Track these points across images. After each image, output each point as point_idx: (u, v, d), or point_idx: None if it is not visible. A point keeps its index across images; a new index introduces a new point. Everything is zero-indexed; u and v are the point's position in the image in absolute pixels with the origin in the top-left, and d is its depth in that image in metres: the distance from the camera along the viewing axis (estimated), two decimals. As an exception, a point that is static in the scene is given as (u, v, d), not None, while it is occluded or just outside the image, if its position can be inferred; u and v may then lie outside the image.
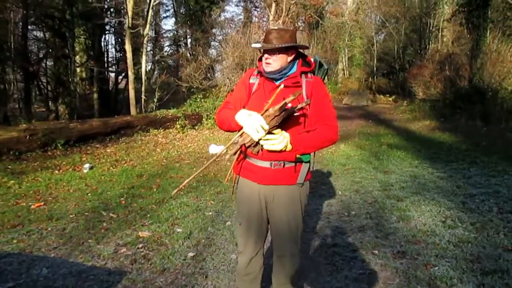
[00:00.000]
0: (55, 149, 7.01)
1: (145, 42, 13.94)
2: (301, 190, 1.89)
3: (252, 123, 1.64)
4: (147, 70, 16.47)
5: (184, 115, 10.24)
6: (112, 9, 16.84)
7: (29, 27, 13.70)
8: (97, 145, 7.80)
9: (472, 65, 11.49)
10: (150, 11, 13.80)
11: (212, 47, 21.75)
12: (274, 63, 1.80)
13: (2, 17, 11.95)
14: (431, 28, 18.29)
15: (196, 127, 10.11)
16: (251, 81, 1.92)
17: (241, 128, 1.71)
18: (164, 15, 24.21)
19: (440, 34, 17.18)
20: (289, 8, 16.72)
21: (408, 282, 2.53)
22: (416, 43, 19.93)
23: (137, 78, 13.78)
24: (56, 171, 5.72)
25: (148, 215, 3.84)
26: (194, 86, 12.69)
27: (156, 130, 9.42)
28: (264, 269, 2.03)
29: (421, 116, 12.07)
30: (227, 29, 20.11)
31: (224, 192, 4.62)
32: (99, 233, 3.38)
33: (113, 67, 18.98)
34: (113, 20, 16.78)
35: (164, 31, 23.72)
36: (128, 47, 12.65)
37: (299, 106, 1.73)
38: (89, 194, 4.62)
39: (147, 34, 14.28)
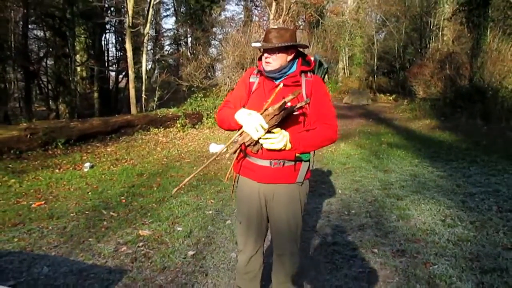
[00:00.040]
0: (55, 148, 7.03)
1: (145, 41, 13.95)
2: (300, 188, 1.89)
3: (252, 122, 1.64)
4: (148, 69, 16.49)
5: (185, 114, 10.26)
6: (112, 8, 16.85)
7: (29, 26, 13.73)
8: (98, 144, 7.81)
9: (472, 64, 11.48)
10: (151, 10, 13.80)
11: (213, 46, 21.78)
12: (273, 62, 1.80)
13: (3, 16, 11.94)
14: (431, 27, 18.26)
15: (197, 126, 10.13)
16: (251, 80, 1.92)
17: (241, 127, 1.71)
18: (165, 14, 24.24)
19: (440, 33, 17.16)
20: (290, 7, 16.72)
21: (407, 280, 2.54)
22: (416, 42, 19.90)
23: (138, 77, 13.79)
24: (57, 170, 5.73)
25: (149, 214, 3.85)
26: (195, 85, 12.71)
27: (156, 129, 9.43)
28: (264, 268, 2.04)
29: (421, 115, 12.06)
30: (227, 28, 20.12)
31: (224, 191, 4.63)
32: (100, 232, 3.39)
33: (114, 66, 18.99)
34: (114, 19, 16.80)
35: (164, 30, 23.76)
36: (128, 46, 12.66)
37: (299, 105, 1.73)
38: (89, 193, 4.64)
39: (148, 33, 14.29)
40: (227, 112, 1.83)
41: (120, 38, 18.69)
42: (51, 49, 14.90)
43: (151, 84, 16.23)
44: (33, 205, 4.12)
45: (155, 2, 14.26)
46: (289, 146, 1.70)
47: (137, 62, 13.84)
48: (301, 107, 1.76)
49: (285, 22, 15.67)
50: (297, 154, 1.79)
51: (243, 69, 11.81)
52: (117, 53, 19.99)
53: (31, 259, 2.84)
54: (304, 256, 2.86)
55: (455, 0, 15.42)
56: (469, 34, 12.76)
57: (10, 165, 5.81)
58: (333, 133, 1.82)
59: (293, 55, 1.84)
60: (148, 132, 9.20)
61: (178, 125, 9.74)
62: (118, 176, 5.47)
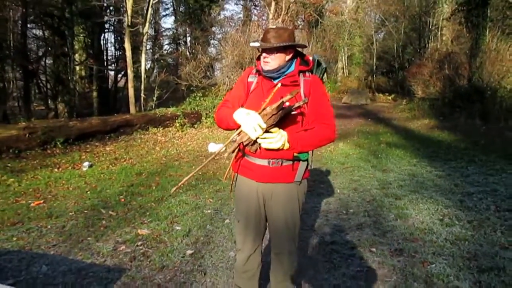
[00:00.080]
0: (54, 147, 7.02)
1: (144, 40, 13.92)
2: (299, 188, 1.90)
3: (250, 122, 1.65)
4: (147, 68, 16.46)
5: (184, 113, 10.26)
6: (111, 8, 16.81)
7: (28, 25, 13.69)
8: (97, 144, 7.80)
9: (471, 64, 11.50)
10: (150, 9, 13.77)
11: (212, 46, 21.79)
12: (272, 62, 1.81)
13: (2, 15, 11.93)
14: (430, 27, 18.27)
15: (195, 126, 10.13)
16: (249, 79, 1.93)
17: (239, 126, 1.72)
18: (164, 13, 24.23)
19: (439, 33, 17.15)
20: (289, 6, 16.72)
21: (405, 279, 2.55)
22: (415, 42, 19.91)
23: (137, 76, 13.77)
24: (56, 169, 5.73)
25: (147, 213, 3.86)
26: (194, 85, 12.71)
27: (155, 129, 9.43)
28: (262, 267, 2.05)
29: (420, 114, 12.08)
30: (226, 28, 20.15)
31: (223, 190, 4.64)
32: (99, 231, 3.40)
33: (113, 65, 18.97)
34: (113, 19, 16.76)
35: (163, 29, 23.74)
36: (127, 45, 12.64)
37: (297, 105, 1.74)
38: (88, 192, 4.64)
39: (147, 32, 14.25)
40: (226, 111, 1.84)
41: (119, 38, 18.68)
42: (50, 48, 14.88)
43: (150, 83, 16.23)
44: (32, 204, 4.12)
45: (154, 2, 14.24)
46: (287, 145, 1.71)
47: (136, 61, 13.82)
48: (299, 107, 1.77)
49: (284, 22, 15.68)
50: (295, 154, 1.79)
51: (242, 69, 11.81)
52: (116, 52, 20.01)
53: (30, 258, 2.85)
54: (303, 255, 2.87)
55: (454, 0, 15.43)
56: (468, 34, 12.77)
57: (9, 164, 5.81)
58: (331, 133, 1.83)
59: (291, 55, 1.85)
60: (147, 132, 9.20)
61: (177, 125, 9.74)
62: (117, 175, 5.47)
